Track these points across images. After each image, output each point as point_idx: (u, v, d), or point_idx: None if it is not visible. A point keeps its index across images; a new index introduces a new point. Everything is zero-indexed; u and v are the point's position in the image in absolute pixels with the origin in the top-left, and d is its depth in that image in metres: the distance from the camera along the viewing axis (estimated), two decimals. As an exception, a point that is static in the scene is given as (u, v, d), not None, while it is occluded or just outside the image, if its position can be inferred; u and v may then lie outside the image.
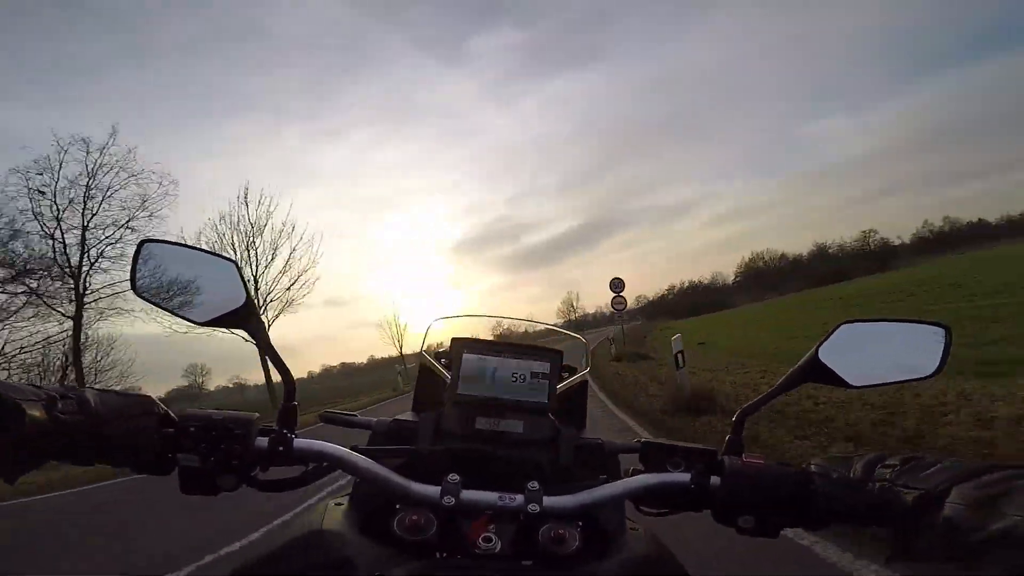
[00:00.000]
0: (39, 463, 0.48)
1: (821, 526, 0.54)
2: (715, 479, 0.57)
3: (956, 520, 0.42)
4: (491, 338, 0.88)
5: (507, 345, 0.80)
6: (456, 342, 0.80)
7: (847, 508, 0.52)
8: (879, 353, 0.63)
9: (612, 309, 17.19)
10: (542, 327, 1.26)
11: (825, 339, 0.63)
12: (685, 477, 0.59)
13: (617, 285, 16.32)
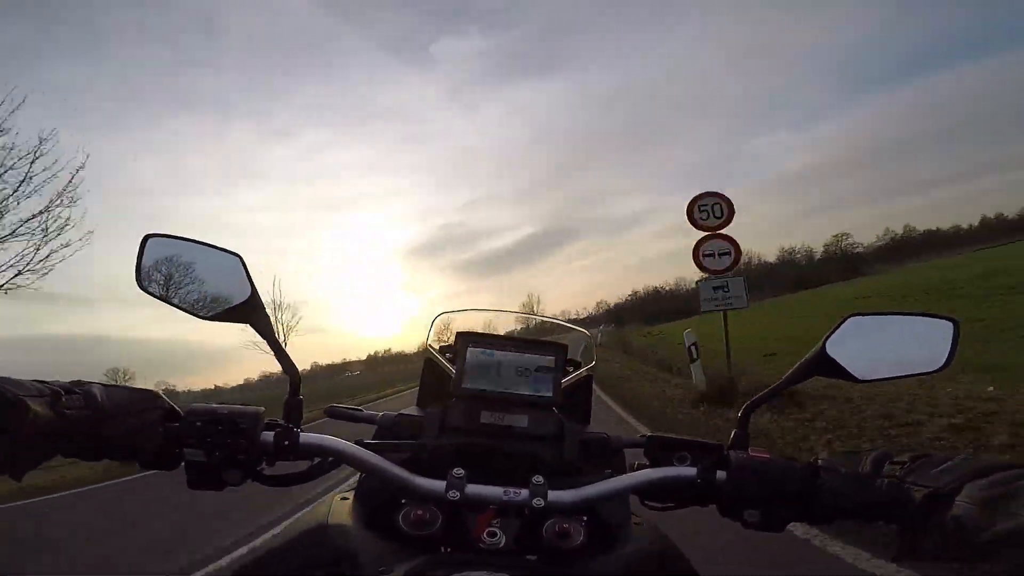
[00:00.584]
0: (45, 459, 0.48)
1: (827, 521, 0.54)
2: (721, 473, 0.57)
3: (965, 519, 0.41)
4: (495, 332, 0.87)
5: (512, 339, 0.80)
6: (461, 336, 0.80)
7: (854, 504, 0.51)
8: (887, 347, 0.63)
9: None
10: (548, 322, 1.26)
11: (832, 332, 0.62)
12: (691, 471, 0.59)
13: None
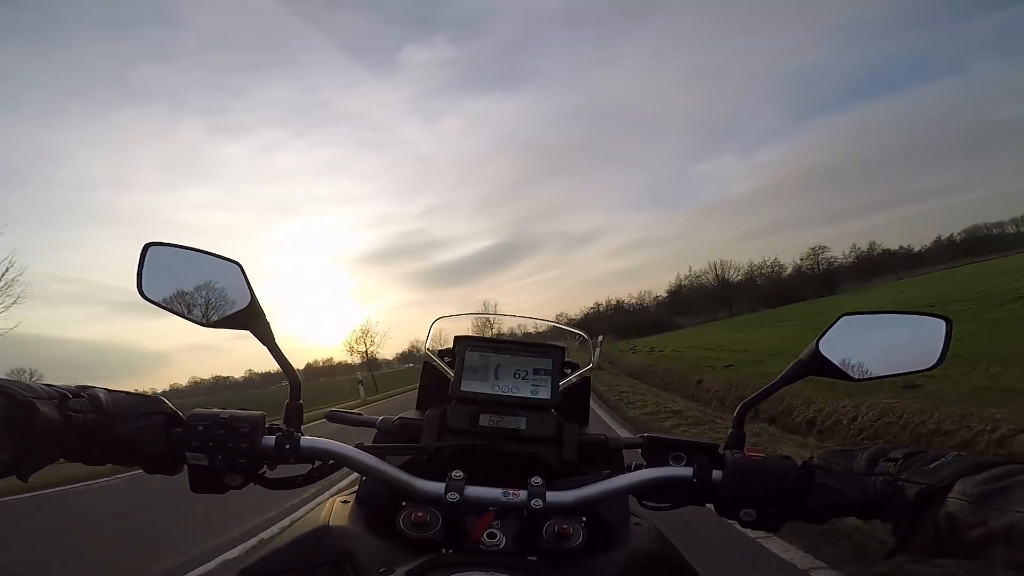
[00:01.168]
0: (51, 460, 0.49)
1: (822, 520, 0.54)
2: (717, 473, 0.58)
3: (958, 515, 0.42)
4: (493, 336, 0.88)
5: (510, 342, 0.80)
6: (459, 340, 0.80)
7: (848, 502, 0.52)
8: (880, 346, 0.63)
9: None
10: (546, 325, 1.26)
11: (825, 332, 0.63)
12: (687, 471, 0.59)
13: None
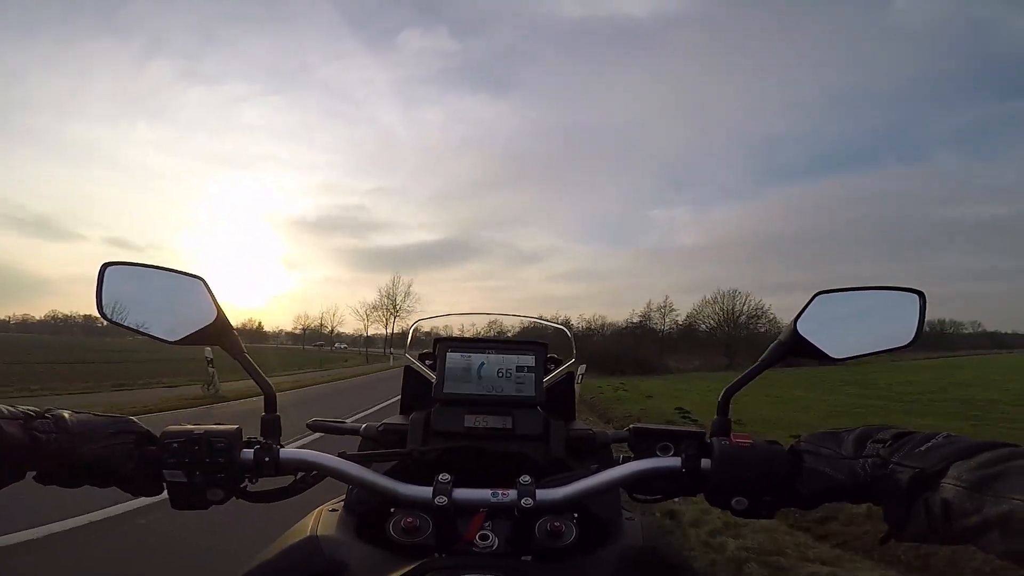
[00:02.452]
0: (17, 479, 0.49)
1: (813, 506, 0.54)
2: (706, 462, 0.57)
3: (953, 501, 0.41)
4: (474, 336, 0.87)
5: (491, 341, 0.80)
6: (439, 342, 0.79)
7: (838, 486, 0.51)
8: (857, 323, 0.64)
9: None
10: (526, 321, 1.26)
11: (803, 311, 0.63)
12: (676, 461, 0.59)
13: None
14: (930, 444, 0.46)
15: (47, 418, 0.51)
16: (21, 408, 0.50)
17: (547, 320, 1.18)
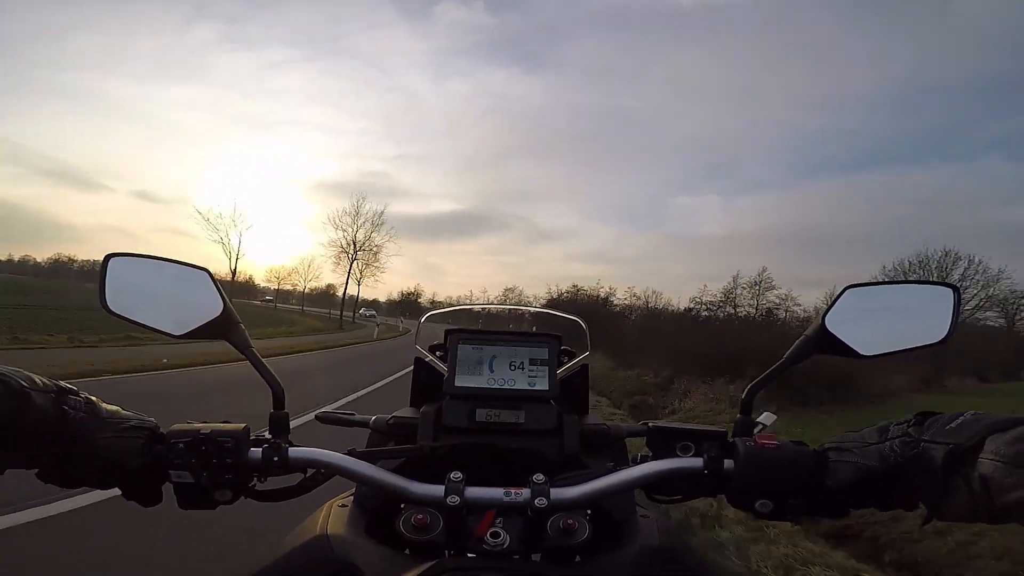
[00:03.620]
0: (21, 465, 0.48)
1: (843, 509, 0.52)
2: (728, 463, 0.55)
3: (992, 477, 0.39)
4: (489, 318, 0.85)
5: (503, 333, 0.78)
6: (450, 333, 0.78)
7: (868, 472, 0.48)
8: (888, 319, 0.61)
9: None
10: (539, 312, 1.24)
11: (831, 306, 0.61)
12: (697, 462, 0.57)
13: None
14: (960, 421, 0.44)
15: (80, 397, 0.51)
16: (56, 382, 0.49)
17: (558, 312, 1.16)
